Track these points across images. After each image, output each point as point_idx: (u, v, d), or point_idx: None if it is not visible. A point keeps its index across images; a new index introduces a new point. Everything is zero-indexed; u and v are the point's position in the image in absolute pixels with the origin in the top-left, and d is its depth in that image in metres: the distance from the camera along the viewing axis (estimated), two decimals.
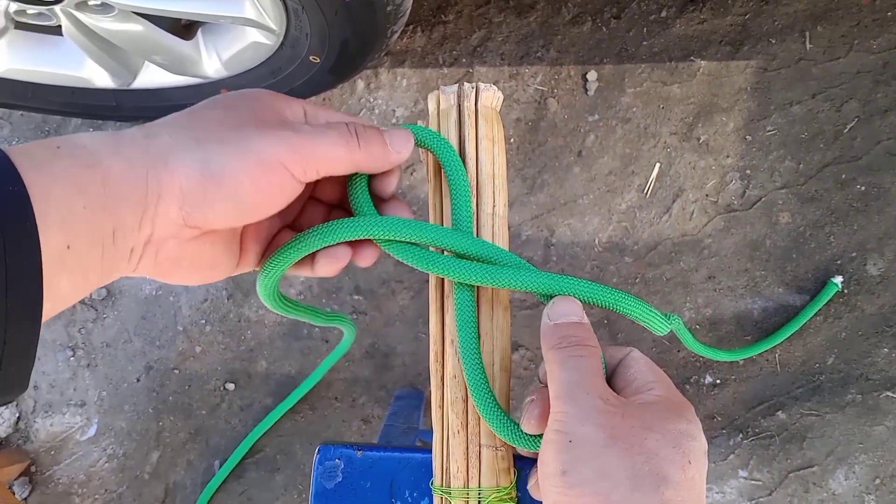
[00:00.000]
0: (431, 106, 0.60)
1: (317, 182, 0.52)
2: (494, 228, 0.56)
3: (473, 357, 0.52)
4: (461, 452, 0.54)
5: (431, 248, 0.54)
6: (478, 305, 0.55)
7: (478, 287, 0.55)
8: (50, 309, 0.36)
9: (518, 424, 0.49)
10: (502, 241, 0.56)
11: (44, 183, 0.35)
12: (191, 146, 0.40)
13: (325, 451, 0.63)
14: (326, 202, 0.56)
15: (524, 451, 0.50)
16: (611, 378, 0.48)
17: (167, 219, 0.40)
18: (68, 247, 0.36)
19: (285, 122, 0.44)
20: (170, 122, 0.42)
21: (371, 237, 0.51)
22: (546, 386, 0.46)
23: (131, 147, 0.39)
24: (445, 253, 0.53)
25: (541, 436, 0.46)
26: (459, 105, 0.58)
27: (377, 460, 0.61)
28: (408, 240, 0.51)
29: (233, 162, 0.40)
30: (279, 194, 0.43)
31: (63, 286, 0.37)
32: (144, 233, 0.40)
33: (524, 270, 0.51)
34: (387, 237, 0.51)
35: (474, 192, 0.55)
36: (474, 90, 0.58)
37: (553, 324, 0.46)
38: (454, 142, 0.57)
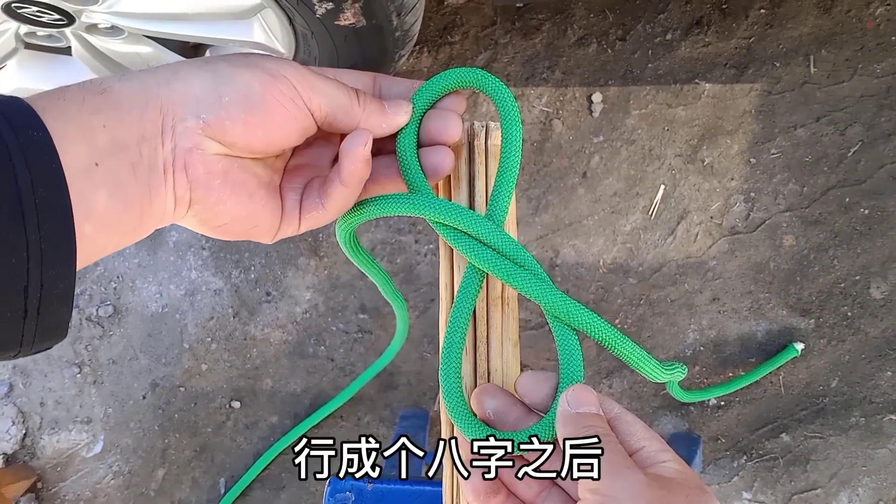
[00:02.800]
0: None
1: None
2: None
3: (455, 350, 0.52)
4: None
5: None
6: (487, 341, 0.56)
7: (487, 320, 0.56)
8: (93, 232, 0.37)
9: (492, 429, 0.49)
10: None
11: (59, 107, 0.37)
12: (199, 64, 0.43)
13: (336, 484, 0.63)
14: None
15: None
16: None
17: (185, 127, 0.41)
18: (96, 164, 0.37)
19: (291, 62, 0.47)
20: (170, 65, 0.44)
21: (424, 216, 0.52)
22: None
23: (138, 73, 0.41)
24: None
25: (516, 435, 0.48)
26: (470, 143, 0.59)
27: (387, 493, 0.62)
28: (450, 224, 0.52)
29: (241, 70, 0.43)
30: (293, 111, 0.44)
31: (101, 202, 0.37)
32: (168, 145, 0.41)
33: (543, 282, 0.52)
34: (438, 220, 0.52)
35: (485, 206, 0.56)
36: (484, 128, 0.59)
37: (575, 412, 0.46)
38: (464, 180, 0.58)
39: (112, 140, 0.38)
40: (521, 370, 0.54)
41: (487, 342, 0.56)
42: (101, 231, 0.38)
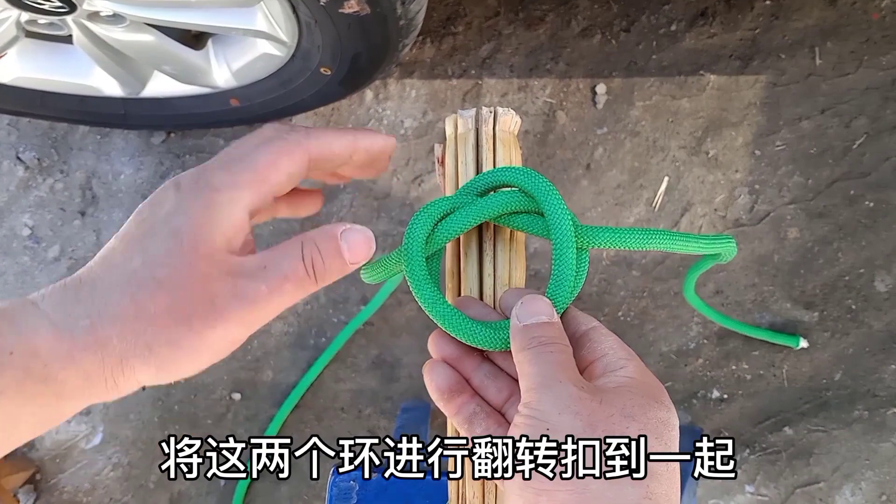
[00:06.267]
0: (449, 130, 0.59)
1: None
2: (511, 251, 0.56)
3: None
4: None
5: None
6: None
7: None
8: None
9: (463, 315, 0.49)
10: (519, 263, 0.55)
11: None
12: (143, 354, 0.39)
13: (339, 473, 0.63)
14: None
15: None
16: (576, 350, 0.46)
17: (129, 386, 0.40)
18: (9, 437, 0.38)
19: (236, 281, 0.41)
20: (117, 315, 0.39)
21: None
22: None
23: (85, 355, 0.38)
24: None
25: (494, 324, 0.48)
26: (477, 129, 0.58)
27: (392, 482, 0.62)
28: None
29: (188, 363, 0.41)
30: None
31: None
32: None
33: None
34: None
35: None
36: (492, 114, 0.58)
37: (522, 325, 0.45)
38: (471, 166, 0.57)
39: (39, 425, 0.39)
40: None
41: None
42: None
